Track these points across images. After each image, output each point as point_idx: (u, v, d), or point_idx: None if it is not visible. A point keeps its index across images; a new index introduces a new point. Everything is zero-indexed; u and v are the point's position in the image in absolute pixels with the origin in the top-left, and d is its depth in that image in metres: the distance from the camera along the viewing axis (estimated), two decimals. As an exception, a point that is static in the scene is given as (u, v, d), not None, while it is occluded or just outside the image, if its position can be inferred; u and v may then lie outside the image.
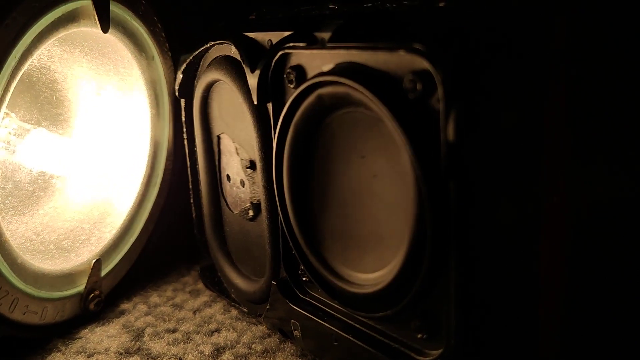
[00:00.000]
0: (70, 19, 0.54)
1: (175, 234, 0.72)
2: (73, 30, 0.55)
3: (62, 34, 0.54)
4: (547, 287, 0.40)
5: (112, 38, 0.60)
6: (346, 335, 0.47)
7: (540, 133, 0.38)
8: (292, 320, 0.53)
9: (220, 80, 0.57)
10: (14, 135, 0.57)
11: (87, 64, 0.62)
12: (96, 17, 0.56)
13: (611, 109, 0.41)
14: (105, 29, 0.58)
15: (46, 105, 0.60)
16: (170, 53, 0.66)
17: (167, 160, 0.68)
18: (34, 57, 0.52)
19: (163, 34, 0.65)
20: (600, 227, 0.42)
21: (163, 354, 0.55)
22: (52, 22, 0.53)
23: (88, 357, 0.55)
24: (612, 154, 0.42)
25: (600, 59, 0.40)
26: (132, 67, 0.64)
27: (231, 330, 0.58)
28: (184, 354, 0.55)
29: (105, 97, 0.65)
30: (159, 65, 0.65)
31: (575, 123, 0.39)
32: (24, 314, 0.54)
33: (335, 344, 0.48)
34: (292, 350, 0.54)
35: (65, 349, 0.56)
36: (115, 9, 0.59)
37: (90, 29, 0.57)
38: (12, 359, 0.55)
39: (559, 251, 0.40)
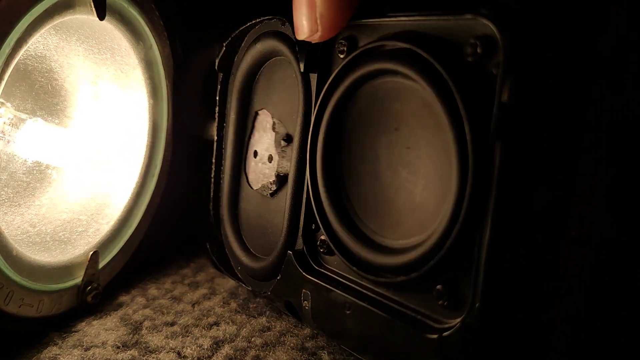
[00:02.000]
0: (66, 5, 0.53)
1: (174, 225, 0.71)
2: (69, 18, 0.54)
3: (57, 21, 0.53)
4: (570, 271, 0.39)
5: (109, 26, 0.59)
6: (361, 302, 0.46)
7: (585, 114, 0.38)
8: (304, 290, 0.52)
9: (276, 56, 0.57)
10: (9, 125, 0.56)
11: (84, 52, 0.61)
12: (92, 4, 0.55)
13: None
14: (101, 16, 0.56)
15: (42, 94, 0.59)
16: (168, 42, 0.65)
17: (165, 150, 0.68)
18: (29, 45, 0.51)
19: (161, 22, 0.64)
20: (631, 217, 0.42)
21: (161, 347, 0.54)
22: (47, 9, 0.51)
23: (85, 350, 0.54)
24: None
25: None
26: (129, 56, 0.63)
27: (230, 323, 0.58)
28: (183, 347, 0.54)
29: (102, 87, 0.64)
30: (157, 54, 0.64)
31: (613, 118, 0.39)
32: (19, 307, 0.54)
33: (348, 312, 0.48)
34: (292, 344, 0.54)
35: (62, 343, 0.55)
36: (112, -4, 0.58)
37: (86, 17, 0.56)
38: (7, 353, 0.54)
39: (587, 236, 0.39)
